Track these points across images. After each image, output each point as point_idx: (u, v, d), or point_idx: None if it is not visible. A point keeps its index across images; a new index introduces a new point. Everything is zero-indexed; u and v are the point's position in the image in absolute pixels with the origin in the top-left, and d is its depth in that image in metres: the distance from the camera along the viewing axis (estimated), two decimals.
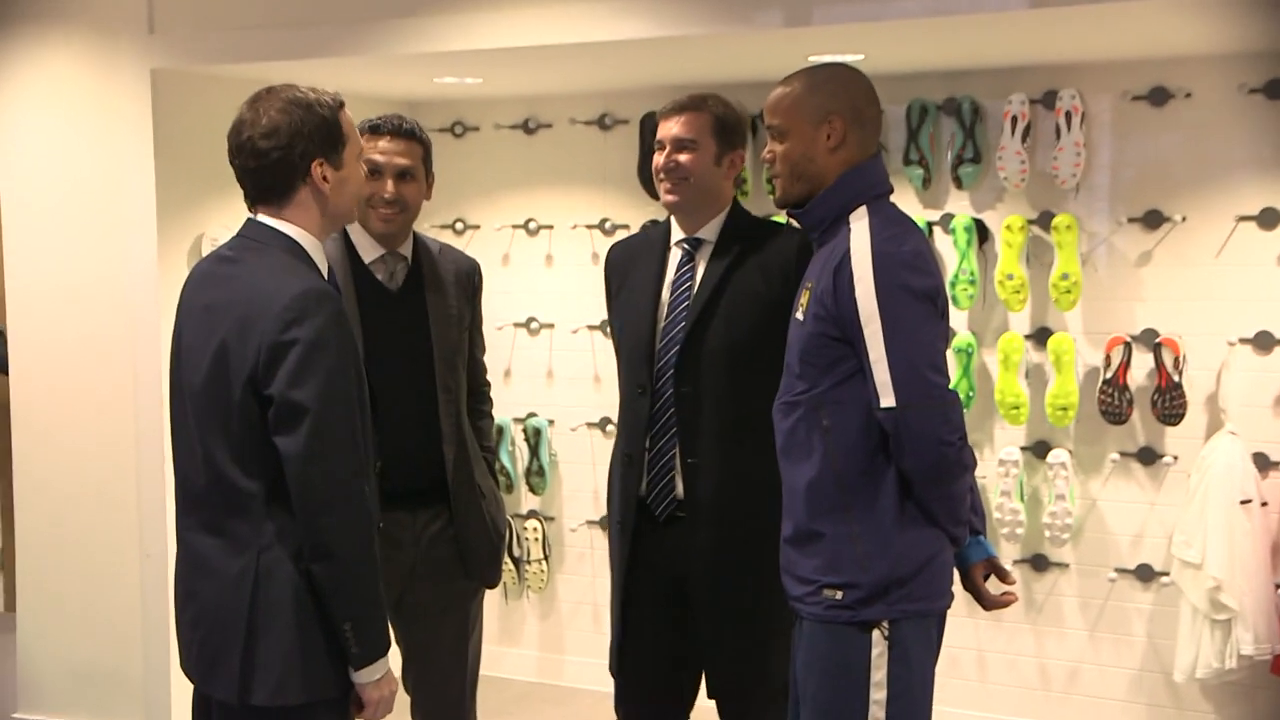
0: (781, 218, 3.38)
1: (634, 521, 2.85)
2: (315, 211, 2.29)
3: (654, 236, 2.96)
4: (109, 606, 4.20)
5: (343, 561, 2.15)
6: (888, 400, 2.28)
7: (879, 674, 2.33)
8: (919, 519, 2.36)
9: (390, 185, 2.87)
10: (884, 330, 2.27)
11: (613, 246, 3.11)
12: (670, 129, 2.83)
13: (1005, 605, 2.53)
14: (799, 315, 2.43)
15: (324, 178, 2.27)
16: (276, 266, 2.23)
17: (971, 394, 4.13)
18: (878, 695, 2.33)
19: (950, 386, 2.35)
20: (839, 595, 2.34)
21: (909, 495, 2.35)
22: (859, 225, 2.36)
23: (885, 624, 2.33)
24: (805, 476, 2.38)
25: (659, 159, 2.84)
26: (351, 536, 2.15)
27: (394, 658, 2.91)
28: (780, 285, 2.73)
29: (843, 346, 2.34)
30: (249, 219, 2.32)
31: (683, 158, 2.81)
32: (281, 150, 2.24)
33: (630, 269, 2.95)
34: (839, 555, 2.35)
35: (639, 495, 2.84)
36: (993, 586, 2.55)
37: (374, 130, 2.88)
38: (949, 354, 3.45)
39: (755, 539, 2.67)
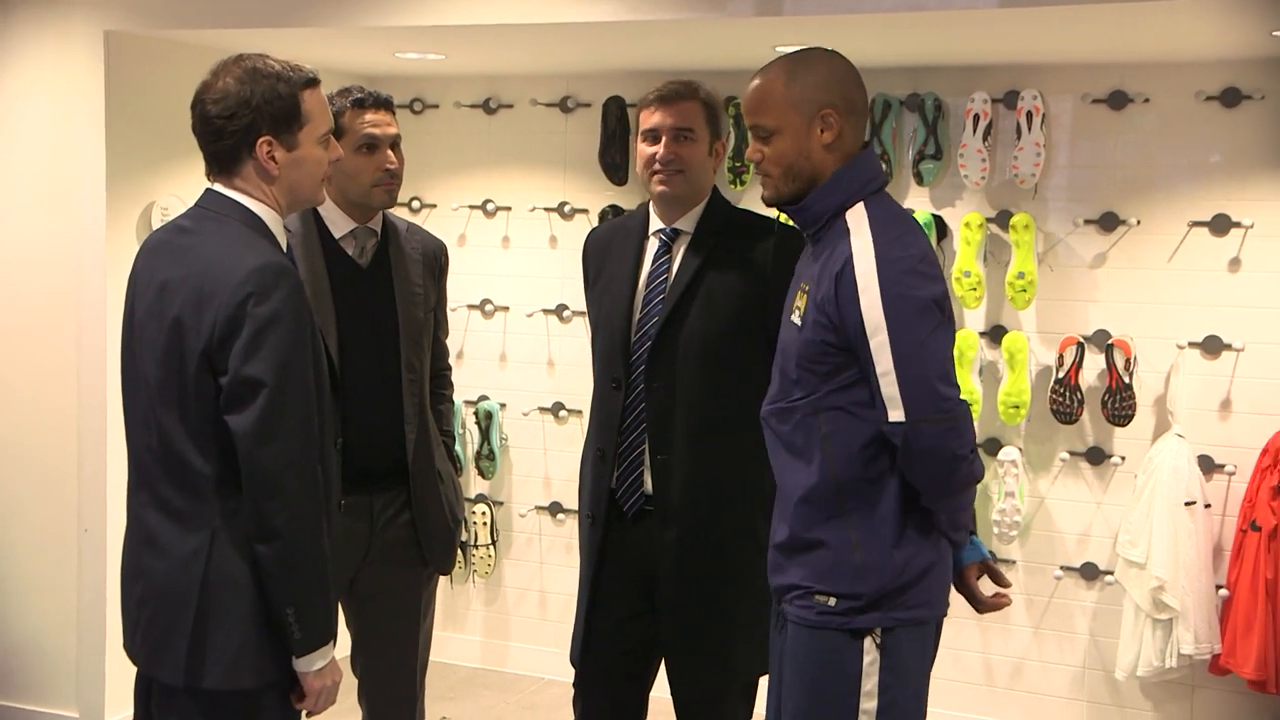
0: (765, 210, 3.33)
1: (604, 516, 2.80)
2: (266, 188, 2.23)
3: (632, 225, 2.87)
4: (43, 584, 4.10)
5: (290, 544, 2.09)
6: (896, 415, 2.18)
7: (869, 683, 2.23)
8: (919, 528, 2.26)
9: (392, 155, 2.84)
10: (891, 342, 2.16)
11: (590, 233, 3.04)
12: (666, 119, 2.70)
13: (999, 608, 2.43)
14: (795, 319, 2.32)
15: (271, 156, 2.20)
16: (234, 239, 2.17)
17: None
18: (867, 705, 2.23)
19: (961, 396, 2.25)
20: (831, 601, 2.25)
21: (908, 503, 2.25)
22: (859, 226, 2.25)
23: (877, 631, 2.24)
24: (802, 483, 2.28)
25: (656, 150, 2.71)
26: (300, 518, 2.10)
27: (343, 641, 2.89)
28: (757, 281, 2.67)
29: (844, 355, 2.23)
30: (207, 189, 2.26)
31: (682, 149, 2.70)
32: (225, 120, 2.18)
33: (607, 258, 2.87)
34: (837, 564, 2.25)
35: (610, 489, 2.80)
36: (985, 588, 2.46)
37: (359, 104, 2.82)
38: None
39: (723, 537, 2.63)
